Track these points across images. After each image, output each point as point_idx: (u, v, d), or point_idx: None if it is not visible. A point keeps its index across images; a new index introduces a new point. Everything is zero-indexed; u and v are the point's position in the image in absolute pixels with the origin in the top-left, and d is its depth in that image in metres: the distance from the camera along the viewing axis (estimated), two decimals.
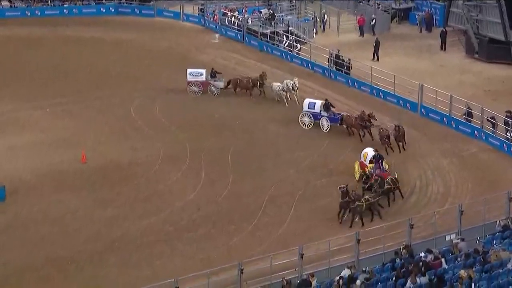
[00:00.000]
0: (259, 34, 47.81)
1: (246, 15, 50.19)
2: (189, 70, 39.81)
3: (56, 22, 50.67)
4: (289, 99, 38.07)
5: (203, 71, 39.75)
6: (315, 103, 35.86)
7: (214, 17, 51.46)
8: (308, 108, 35.76)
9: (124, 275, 24.59)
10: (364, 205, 27.39)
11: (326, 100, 36.17)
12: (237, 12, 50.88)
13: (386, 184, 28.74)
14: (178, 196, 29.69)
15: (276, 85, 38.61)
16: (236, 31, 49.24)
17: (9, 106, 37.59)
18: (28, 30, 48.87)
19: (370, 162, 30.63)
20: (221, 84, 39.72)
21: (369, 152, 30.96)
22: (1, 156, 32.50)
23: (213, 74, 39.80)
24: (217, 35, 50.03)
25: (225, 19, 50.48)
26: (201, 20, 52.00)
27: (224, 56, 46.25)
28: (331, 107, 35.70)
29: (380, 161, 30.51)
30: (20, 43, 46.56)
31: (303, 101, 36.52)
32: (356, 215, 27.42)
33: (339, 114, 35.38)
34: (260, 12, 50.77)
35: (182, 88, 40.85)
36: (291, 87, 38.00)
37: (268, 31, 47.73)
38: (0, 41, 46.95)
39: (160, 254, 25.84)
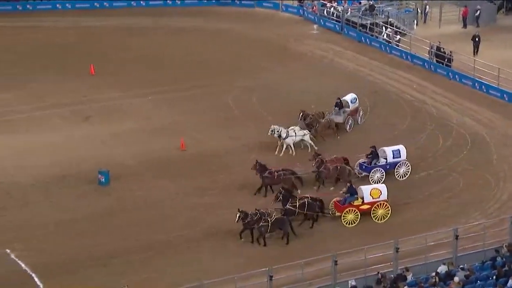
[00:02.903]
0: (358, 25, 47.31)
1: (345, 6, 49.78)
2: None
3: (160, 12, 52.01)
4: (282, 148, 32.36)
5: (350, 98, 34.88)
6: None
7: (313, 7, 51.35)
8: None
9: (218, 262, 25.03)
10: (269, 224, 25.61)
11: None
12: (336, 3, 50.55)
13: (290, 205, 26.46)
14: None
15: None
16: (334, 22, 48.92)
17: (114, 94, 38.96)
18: (133, 20, 50.40)
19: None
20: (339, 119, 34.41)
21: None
22: (106, 142, 33.74)
23: (338, 105, 34.69)
24: (315, 26, 49.91)
25: (324, 10, 50.26)
26: (300, 10, 52.00)
27: (322, 47, 46.09)
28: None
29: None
30: (126, 33, 48.09)
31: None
32: (262, 235, 25.67)
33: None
34: (360, 3, 50.20)
35: (280, 78, 41.07)
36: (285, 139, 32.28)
37: (368, 22, 47.16)
38: (107, 30, 48.66)
39: (255, 243, 26.09)
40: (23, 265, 23.76)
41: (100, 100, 38.08)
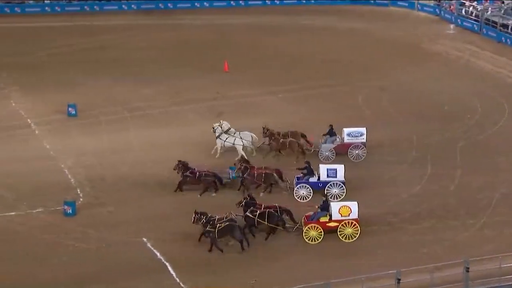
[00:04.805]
0: (498, 24, 45.42)
1: (486, 5, 47.99)
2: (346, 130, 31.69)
3: (293, 11, 52.55)
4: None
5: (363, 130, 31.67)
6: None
7: (450, 6, 49.90)
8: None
9: (342, 261, 24.87)
10: (216, 231, 24.37)
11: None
12: (475, 2, 48.84)
13: (249, 213, 25.30)
14: (402, 187, 29.36)
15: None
16: (473, 21, 47.28)
17: (246, 91, 39.79)
18: (267, 19, 51.27)
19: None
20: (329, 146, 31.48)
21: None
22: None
23: (331, 132, 31.93)
24: (452, 26, 48.51)
25: (463, 9, 48.72)
26: (437, 9, 50.69)
27: (458, 47, 44.75)
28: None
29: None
30: (260, 31, 49.00)
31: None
32: (211, 240, 24.61)
33: None
34: (503, 2, 48.20)
35: (412, 78, 40.29)
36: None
37: (510, 21, 45.18)
38: (242, 28, 49.82)
39: (382, 244, 25.76)
40: (158, 254, 24.79)
41: (232, 97, 39.03)
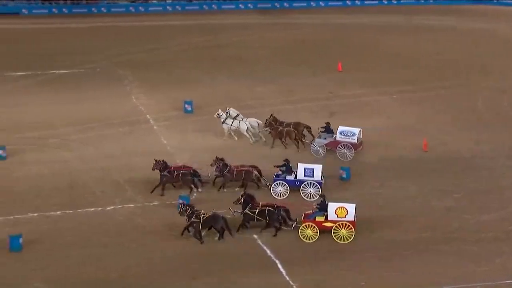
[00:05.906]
0: None
1: None
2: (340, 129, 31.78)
3: (412, 10, 51.65)
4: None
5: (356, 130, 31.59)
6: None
7: None
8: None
9: (459, 267, 24.26)
10: (200, 222, 25.17)
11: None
12: None
13: (248, 210, 25.74)
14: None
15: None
16: None
17: (361, 90, 39.58)
18: (384, 18, 50.70)
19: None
20: (322, 142, 31.76)
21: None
22: None
23: (328, 129, 32.09)
24: None
25: None
26: None
27: None
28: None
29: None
30: (375, 30, 48.55)
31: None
32: (196, 231, 25.31)
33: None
34: None
35: None
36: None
37: None
38: (358, 28, 49.50)
39: (499, 252, 24.83)
40: (268, 252, 25.16)
41: (345, 97, 38.94)
